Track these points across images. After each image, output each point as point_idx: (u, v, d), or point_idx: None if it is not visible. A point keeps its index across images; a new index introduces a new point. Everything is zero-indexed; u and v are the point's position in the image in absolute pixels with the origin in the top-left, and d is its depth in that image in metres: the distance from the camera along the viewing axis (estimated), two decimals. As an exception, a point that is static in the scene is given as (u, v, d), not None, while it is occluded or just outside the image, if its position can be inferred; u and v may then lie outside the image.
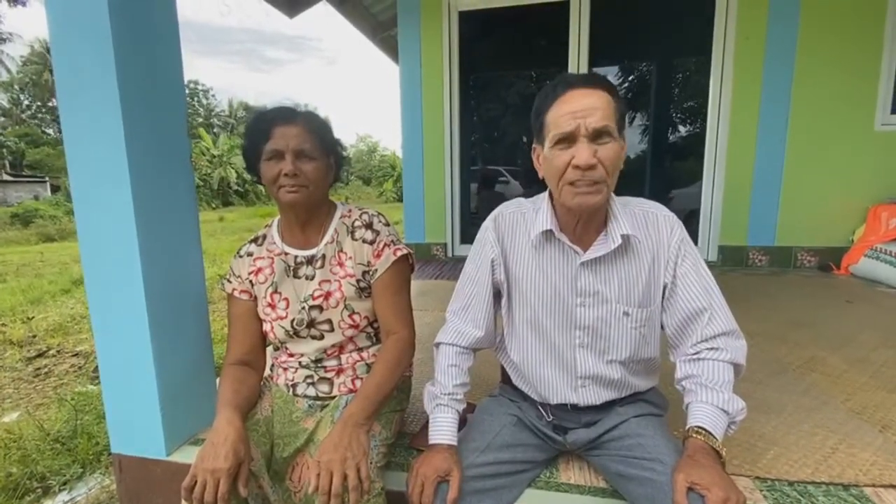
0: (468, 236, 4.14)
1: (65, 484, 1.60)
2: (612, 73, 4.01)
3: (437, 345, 1.05)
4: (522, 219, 0.98)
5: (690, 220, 3.65)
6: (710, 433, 0.82)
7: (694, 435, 0.83)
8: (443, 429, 0.93)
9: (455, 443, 0.93)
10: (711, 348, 0.90)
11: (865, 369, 1.60)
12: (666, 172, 4.00)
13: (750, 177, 3.38)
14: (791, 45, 3.17)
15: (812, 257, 3.38)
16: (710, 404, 0.85)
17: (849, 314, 2.28)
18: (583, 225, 0.91)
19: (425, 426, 1.18)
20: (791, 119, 3.24)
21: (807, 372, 1.59)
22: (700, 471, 0.75)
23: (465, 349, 1.02)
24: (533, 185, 4.18)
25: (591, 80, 0.83)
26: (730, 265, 3.49)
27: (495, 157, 4.61)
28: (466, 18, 3.84)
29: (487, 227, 1.01)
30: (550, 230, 0.91)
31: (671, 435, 0.93)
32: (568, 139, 0.82)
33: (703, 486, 0.73)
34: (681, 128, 4.01)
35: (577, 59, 3.60)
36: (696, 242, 3.61)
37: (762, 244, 3.44)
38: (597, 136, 0.81)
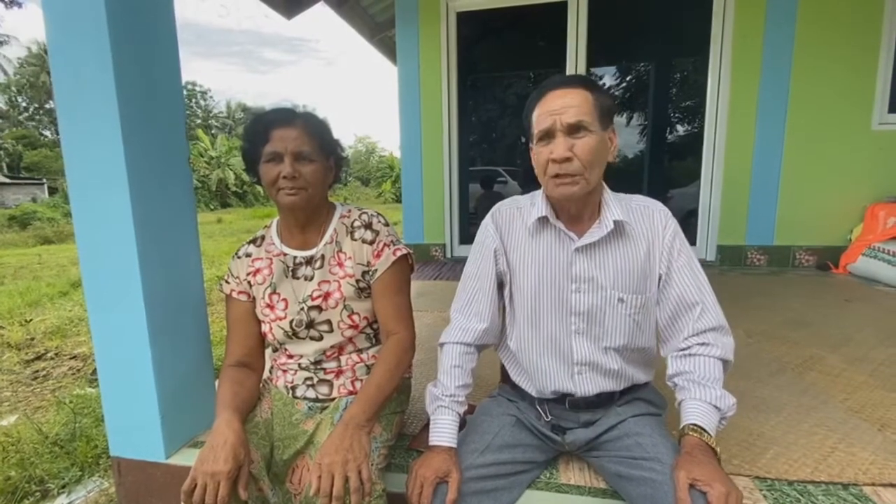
0: (467, 237, 4.14)
1: (63, 487, 1.59)
2: (610, 74, 4.03)
3: (441, 345, 1.05)
4: (518, 212, 1.02)
5: (689, 219, 3.65)
6: (705, 430, 0.83)
7: (690, 432, 0.83)
8: (443, 430, 0.94)
9: (455, 445, 0.93)
10: (702, 343, 0.91)
11: (864, 368, 1.61)
12: (664, 172, 4.01)
13: (748, 176, 3.39)
14: (788, 45, 3.18)
15: (810, 256, 3.38)
16: (704, 401, 0.86)
17: (847, 313, 2.28)
18: (576, 214, 0.95)
19: (425, 428, 1.18)
20: (789, 119, 3.25)
21: (806, 371, 1.60)
22: (700, 467, 0.76)
23: (469, 347, 1.02)
24: (531, 184, 4.16)
25: (568, 81, 0.90)
26: (728, 265, 3.50)
27: (494, 157, 4.61)
28: (464, 19, 3.84)
29: (487, 222, 1.05)
30: (546, 217, 0.95)
31: (669, 434, 0.93)
32: (547, 135, 0.88)
33: (704, 483, 0.73)
34: (679, 127, 4.02)
35: (576, 59, 3.60)
36: (694, 242, 3.61)
37: (760, 243, 3.45)
38: (572, 130, 0.86)
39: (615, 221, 0.91)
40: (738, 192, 3.43)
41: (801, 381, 1.52)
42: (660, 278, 0.95)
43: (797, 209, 3.34)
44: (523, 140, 4.44)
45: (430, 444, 0.93)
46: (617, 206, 0.94)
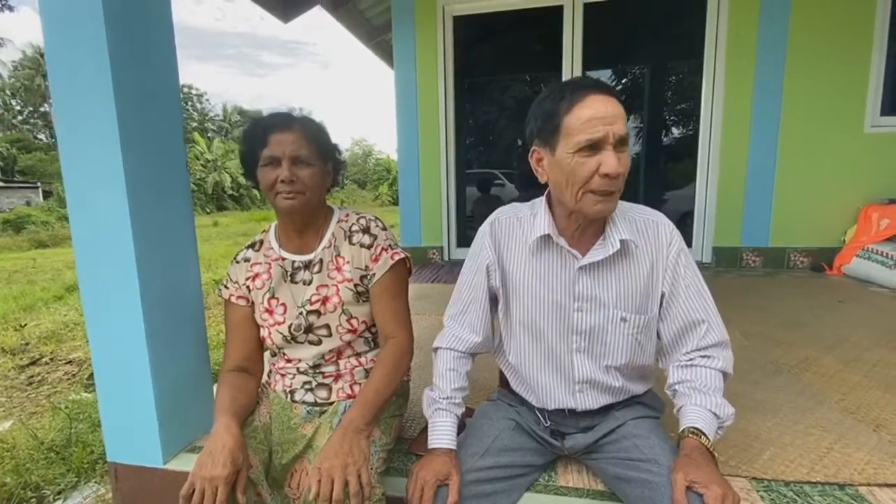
0: (464, 240, 4.14)
1: (59, 493, 1.58)
2: (605, 77, 4.05)
3: (436, 349, 1.06)
4: (519, 224, 0.98)
5: (685, 221, 3.68)
6: (704, 434, 0.83)
7: (690, 435, 0.84)
8: (442, 433, 0.94)
9: (454, 447, 0.93)
10: (705, 356, 0.92)
11: (859, 369, 1.62)
12: (660, 174, 4.03)
13: (743, 178, 3.42)
14: (782, 49, 3.21)
15: (805, 258, 3.41)
16: (704, 407, 0.86)
17: (842, 314, 2.30)
18: (581, 230, 0.92)
19: (424, 431, 1.18)
20: (783, 121, 3.28)
21: (801, 372, 1.61)
22: (698, 469, 0.76)
23: (463, 353, 1.03)
24: (529, 188, 4.20)
25: (606, 87, 0.82)
26: (724, 266, 3.52)
27: (491, 160, 4.63)
28: (461, 23, 3.86)
29: (484, 232, 1.02)
30: (549, 235, 0.92)
31: (667, 436, 0.94)
32: (595, 146, 0.80)
33: (701, 484, 0.74)
34: (674, 130, 4.05)
35: (571, 62, 3.63)
36: (690, 244, 3.63)
37: (756, 245, 3.47)
38: (620, 143, 0.80)
39: (621, 241, 0.88)
40: (733, 194, 3.45)
41: (797, 382, 1.53)
42: (662, 296, 0.93)
43: (792, 211, 3.36)
44: (520, 143, 4.46)
45: (430, 447, 0.93)
46: (622, 221, 0.90)
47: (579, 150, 0.80)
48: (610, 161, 0.79)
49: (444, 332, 1.05)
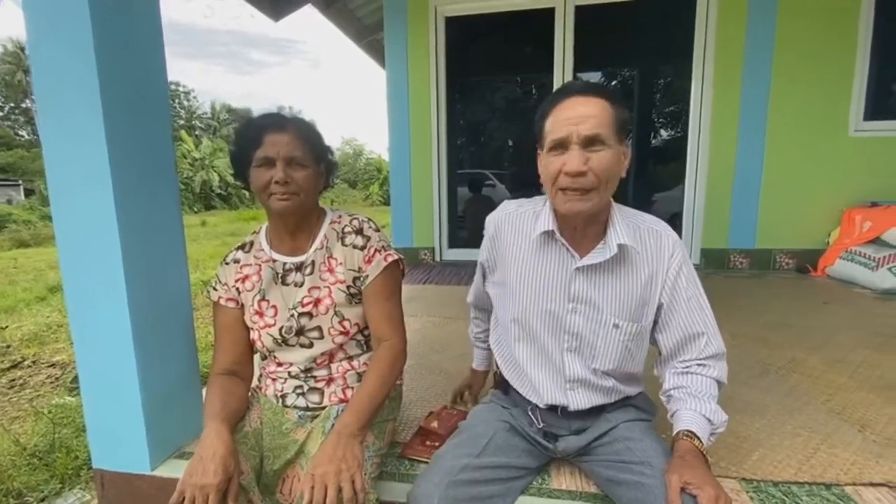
0: (456, 240, 4.14)
1: (42, 501, 1.54)
2: (596, 79, 4.08)
3: (468, 302, 1.29)
4: (521, 219, 1.00)
5: (673, 223, 3.71)
6: (698, 437, 0.84)
7: (684, 437, 0.85)
8: (474, 358, 1.34)
9: (479, 367, 1.34)
10: (701, 364, 0.93)
11: (844, 370, 1.65)
12: (649, 176, 4.07)
13: (730, 181, 3.47)
14: (768, 54, 3.26)
15: (790, 259, 3.47)
16: (698, 412, 0.87)
17: (826, 315, 2.34)
18: (581, 231, 0.92)
19: (417, 435, 1.19)
20: (769, 125, 3.34)
21: (788, 373, 1.63)
22: (691, 471, 0.77)
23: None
24: (520, 188, 4.21)
25: (589, 88, 0.85)
26: (712, 268, 3.57)
27: (482, 160, 4.63)
28: (453, 24, 3.86)
29: (487, 229, 1.06)
30: (552, 231, 0.92)
31: (659, 438, 0.95)
32: (561, 145, 0.84)
33: (695, 486, 0.74)
34: (663, 132, 4.10)
35: (563, 64, 3.65)
36: (679, 245, 3.67)
37: (743, 247, 3.52)
38: (588, 143, 0.82)
39: (619, 245, 0.89)
40: (720, 196, 3.50)
41: (785, 383, 1.55)
42: (660, 307, 0.94)
43: (778, 213, 3.42)
44: (511, 143, 4.47)
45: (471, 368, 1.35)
46: (624, 227, 0.91)
47: (550, 149, 0.86)
48: (571, 160, 0.82)
49: (471, 290, 1.25)
